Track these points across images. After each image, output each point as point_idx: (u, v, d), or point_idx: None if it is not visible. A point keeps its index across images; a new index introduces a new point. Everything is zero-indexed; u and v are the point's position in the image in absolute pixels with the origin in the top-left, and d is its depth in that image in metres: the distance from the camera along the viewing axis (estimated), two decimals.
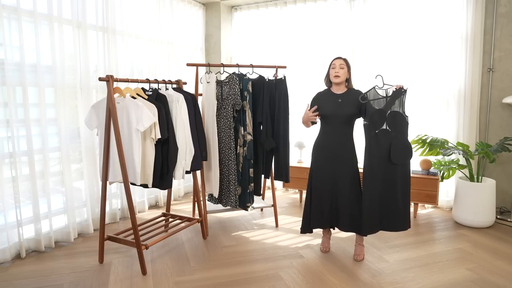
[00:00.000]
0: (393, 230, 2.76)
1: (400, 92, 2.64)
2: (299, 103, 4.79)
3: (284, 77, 3.42)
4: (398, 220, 2.73)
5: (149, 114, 2.61)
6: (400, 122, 2.66)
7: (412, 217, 3.89)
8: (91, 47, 3.45)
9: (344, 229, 2.83)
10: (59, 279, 2.60)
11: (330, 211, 2.84)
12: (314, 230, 3.45)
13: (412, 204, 4.27)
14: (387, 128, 2.67)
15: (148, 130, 2.71)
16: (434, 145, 3.79)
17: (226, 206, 3.43)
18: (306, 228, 2.95)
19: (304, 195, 4.72)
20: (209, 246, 3.19)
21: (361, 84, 4.38)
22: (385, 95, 2.69)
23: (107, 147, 2.73)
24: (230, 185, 3.34)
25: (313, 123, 2.94)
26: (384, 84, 2.72)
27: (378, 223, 2.76)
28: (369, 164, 2.68)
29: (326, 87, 2.93)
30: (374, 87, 2.71)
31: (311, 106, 2.89)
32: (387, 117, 2.66)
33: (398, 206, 2.71)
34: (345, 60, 2.79)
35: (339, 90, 2.82)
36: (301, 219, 3.84)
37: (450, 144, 3.89)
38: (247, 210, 3.42)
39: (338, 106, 2.76)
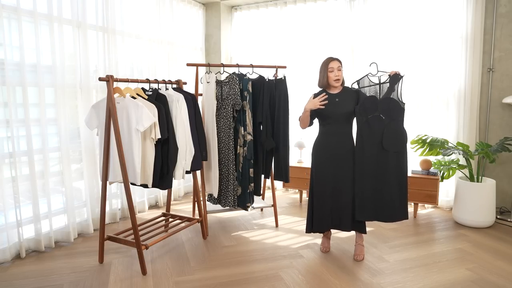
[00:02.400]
0: (389, 220, 2.74)
1: (397, 78, 2.63)
2: (299, 103, 4.79)
3: (284, 77, 3.42)
4: (393, 210, 2.71)
5: (149, 114, 2.61)
6: (394, 109, 2.64)
7: (412, 217, 3.89)
8: (91, 47, 3.45)
9: (347, 229, 2.83)
10: (59, 279, 2.60)
11: (332, 212, 2.84)
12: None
13: (412, 204, 4.27)
14: (380, 114, 2.66)
15: (148, 130, 2.71)
16: (434, 145, 3.79)
17: (224, 206, 3.43)
18: (310, 229, 2.95)
19: (304, 195, 4.73)
20: (209, 246, 3.19)
21: None
22: (378, 82, 2.69)
23: (107, 147, 2.73)
24: (229, 185, 3.34)
25: (310, 124, 2.92)
26: (378, 71, 2.72)
27: (373, 211, 2.73)
28: (361, 150, 2.70)
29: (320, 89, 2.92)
30: (367, 75, 2.72)
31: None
32: (380, 104, 2.66)
33: (392, 196, 2.69)
34: (339, 61, 2.81)
35: (335, 90, 2.82)
36: (301, 219, 3.86)
37: (450, 144, 3.89)
38: (247, 210, 3.42)
39: (336, 105, 2.76)
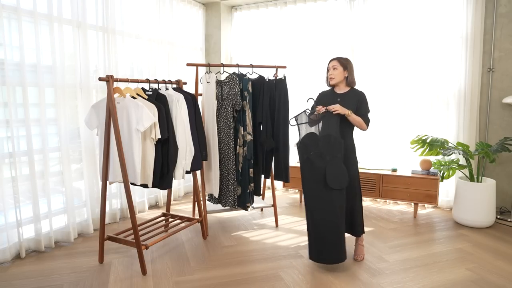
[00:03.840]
0: (332, 262, 2.61)
1: (328, 115, 2.63)
2: (299, 103, 4.79)
3: (284, 77, 3.42)
4: (337, 250, 2.57)
5: (149, 114, 2.61)
6: (334, 145, 2.59)
7: (412, 217, 3.89)
8: (91, 47, 3.45)
9: None
10: (59, 279, 2.60)
11: None
12: None
13: (412, 204, 4.28)
14: (321, 151, 2.61)
15: (148, 130, 2.71)
16: (434, 145, 3.79)
17: (225, 206, 3.43)
18: None
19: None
20: (209, 246, 3.19)
21: (360, 84, 4.37)
22: (317, 119, 2.69)
23: (107, 147, 2.73)
24: (229, 185, 3.34)
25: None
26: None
27: (319, 252, 2.61)
28: (305, 188, 2.63)
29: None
30: (304, 111, 2.71)
31: (315, 106, 2.90)
32: (320, 140, 2.61)
33: (337, 235, 2.57)
34: (338, 60, 2.76)
35: (340, 89, 2.82)
36: (301, 219, 3.86)
37: (450, 144, 3.89)
38: (247, 210, 3.42)
39: None
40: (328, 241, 2.59)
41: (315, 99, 2.93)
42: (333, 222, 2.57)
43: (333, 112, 2.61)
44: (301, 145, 2.64)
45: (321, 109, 2.65)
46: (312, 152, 2.60)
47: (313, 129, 2.66)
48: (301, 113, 2.74)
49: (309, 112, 2.71)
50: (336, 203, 2.57)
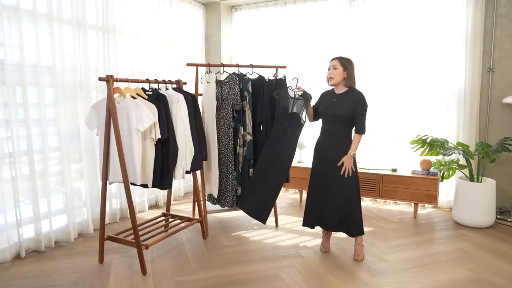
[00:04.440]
0: (248, 212, 3.06)
1: (307, 97, 2.89)
2: None
3: (284, 77, 3.43)
4: (258, 206, 3.01)
5: (149, 114, 2.61)
6: (295, 122, 2.93)
7: (412, 217, 3.89)
8: (91, 47, 3.45)
9: (330, 228, 2.85)
10: (59, 279, 2.60)
11: (320, 211, 2.88)
12: (313, 230, 3.47)
13: (412, 204, 4.28)
14: (286, 124, 2.96)
15: (148, 130, 2.71)
16: (434, 145, 3.79)
17: (223, 207, 3.44)
18: (303, 223, 3.02)
19: (304, 195, 4.73)
20: (209, 246, 3.19)
21: (360, 84, 4.37)
22: (293, 97, 2.95)
23: (107, 147, 2.73)
24: (227, 185, 3.34)
25: (315, 119, 2.99)
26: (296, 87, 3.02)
27: (245, 203, 3.07)
28: (267, 142, 3.06)
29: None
30: (288, 87, 3.01)
31: (317, 104, 2.98)
32: (288, 116, 2.95)
33: (262, 194, 3.00)
34: (339, 59, 2.75)
35: (339, 90, 2.82)
36: (301, 219, 3.86)
37: (450, 144, 3.89)
38: None
39: (332, 106, 2.77)
40: (253, 190, 3.03)
41: (318, 98, 2.97)
42: (265, 181, 2.99)
43: (345, 176, 2.78)
44: (277, 115, 3.05)
45: (300, 88, 2.93)
46: (281, 124, 2.98)
47: (289, 105, 2.97)
48: (285, 87, 3.05)
49: (291, 89, 3.00)
50: (275, 168, 2.98)
